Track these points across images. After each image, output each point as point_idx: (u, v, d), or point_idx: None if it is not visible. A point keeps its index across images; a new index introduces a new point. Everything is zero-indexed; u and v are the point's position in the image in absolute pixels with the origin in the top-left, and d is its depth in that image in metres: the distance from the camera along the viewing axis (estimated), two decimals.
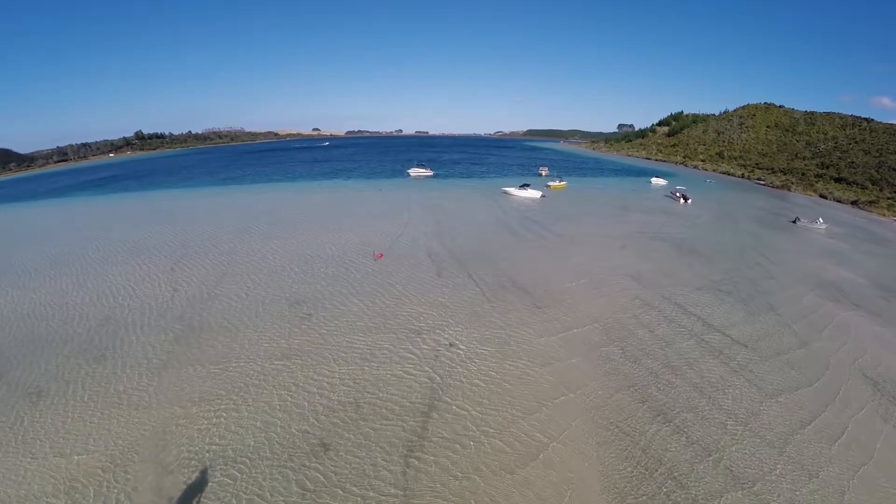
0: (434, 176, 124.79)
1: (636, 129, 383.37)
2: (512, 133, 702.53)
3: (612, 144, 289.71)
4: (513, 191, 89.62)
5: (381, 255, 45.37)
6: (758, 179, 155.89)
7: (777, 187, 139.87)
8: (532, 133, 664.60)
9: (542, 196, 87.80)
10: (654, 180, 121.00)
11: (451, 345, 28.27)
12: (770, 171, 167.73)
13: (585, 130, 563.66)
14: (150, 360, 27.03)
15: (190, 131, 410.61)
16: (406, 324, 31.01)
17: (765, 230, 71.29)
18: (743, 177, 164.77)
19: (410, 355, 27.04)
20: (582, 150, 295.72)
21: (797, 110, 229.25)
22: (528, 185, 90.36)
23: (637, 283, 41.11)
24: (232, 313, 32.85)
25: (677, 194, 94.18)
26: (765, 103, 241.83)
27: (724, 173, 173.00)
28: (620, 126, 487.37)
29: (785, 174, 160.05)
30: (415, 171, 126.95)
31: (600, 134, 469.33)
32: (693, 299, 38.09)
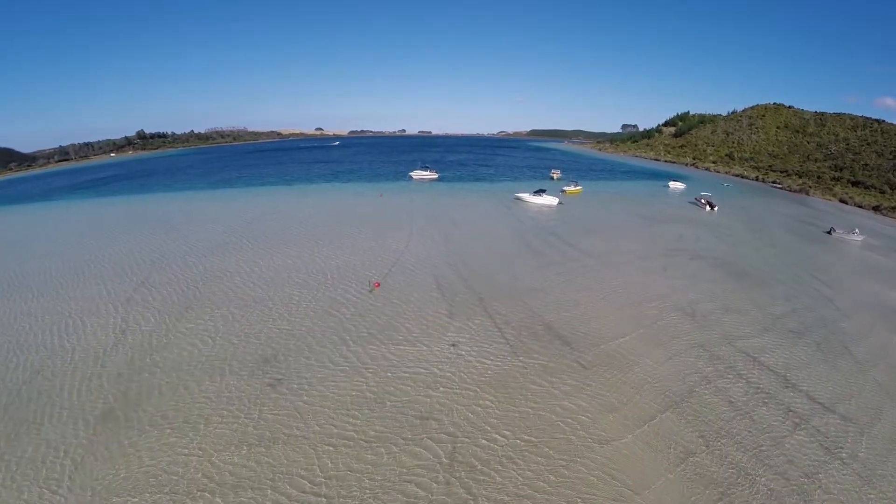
0: (439, 179, 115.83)
1: (640, 129, 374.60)
2: (515, 133, 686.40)
3: (617, 145, 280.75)
4: (527, 197, 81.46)
5: (379, 285, 37.30)
6: (773, 182, 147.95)
7: (795, 191, 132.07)
8: (535, 133, 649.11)
9: (559, 203, 79.73)
10: (672, 184, 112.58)
11: (479, 433, 20.31)
12: (784, 174, 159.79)
13: (589, 131, 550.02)
14: (66, 450, 19.29)
15: (192, 131, 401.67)
16: (411, 397, 23.00)
17: (803, 243, 63.62)
18: (758, 179, 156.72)
19: (420, 456, 19.04)
20: (588, 150, 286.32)
21: (807, 111, 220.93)
22: (543, 191, 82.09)
23: (696, 325, 33.07)
24: (183, 374, 24.89)
25: (702, 201, 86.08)
26: (774, 104, 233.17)
27: (738, 176, 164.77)
28: (624, 126, 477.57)
29: (801, 177, 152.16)
30: (418, 174, 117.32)
31: (604, 134, 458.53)
32: (769, 351, 30.04)
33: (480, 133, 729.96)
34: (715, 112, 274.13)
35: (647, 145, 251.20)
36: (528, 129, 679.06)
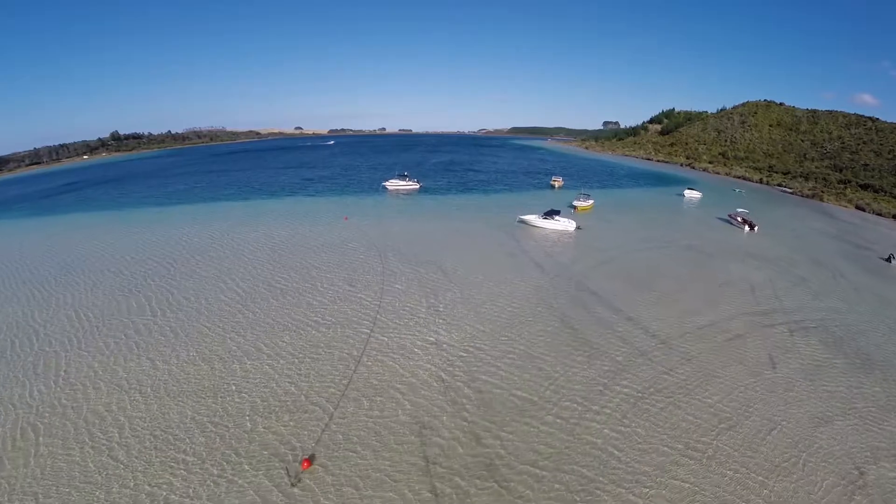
0: (421, 189, 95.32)
1: (622, 126, 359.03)
2: (496, 131, 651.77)
3: (603, 143, 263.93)
4: (536, 221, 62.25)
5: (309, 463, 18.64)
6: (779, 186, 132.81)
7: (807, 196, 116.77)
8: (516, 130, 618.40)
9: (578, 228, 61.02)
10: (688, 193, 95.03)
11: None
12: (787, 176, 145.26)
13: (570, 128, 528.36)
14: None
15: (169, 131, 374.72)
16: None
17: (876, 282, 47.64)
18: (762, 182, 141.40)
19: None
20: (573, 149, 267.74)
21: (798, 108, 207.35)
22: (556, 213, 62.68)
23: None
24: None
25: (738, 219, 68.97)
26: (765, 101, 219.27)
27: (740, 178, 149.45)
28: (605, 123, 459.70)
29: (806, 179, 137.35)
30: (393, 184, 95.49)
31: (585, 131, 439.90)
32: None
33: (461, 131, 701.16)
34: (695, 109, 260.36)
35: (635, 143, 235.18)
36: (509, 127, 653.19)
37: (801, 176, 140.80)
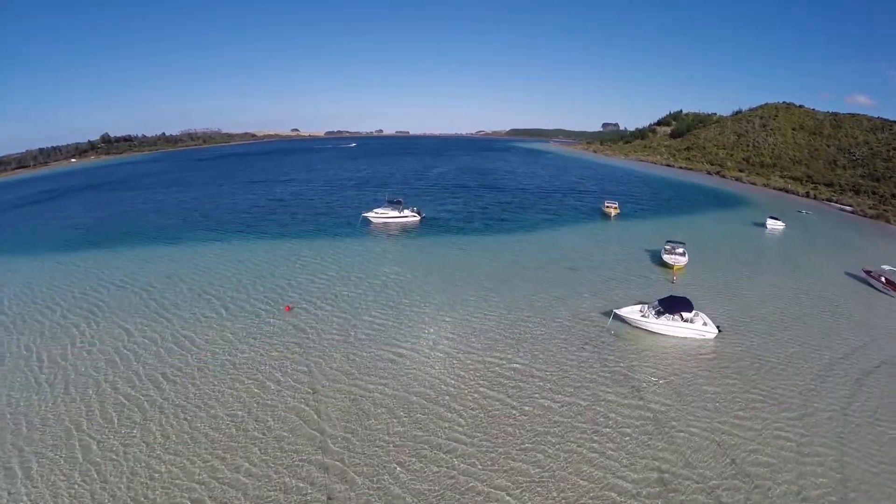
0: (423, 221, 66.85)
1: (621, 127, 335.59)
2: (494, 132, 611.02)
3: (609, 145, 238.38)
4: (649, 324, 33.31)
5: None
6: (829, 201, 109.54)
7: (871, 217, 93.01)
8: (515, 132, 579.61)
9: (719, 330, 32.76)
10: (771, 224, 69.84)
11: None
12: (831, 188, 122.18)
13: (569, 129, 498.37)
14: None
15: (163, 133, 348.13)
16: None
17: None
18: (808, 196, 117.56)
19: None
20: (581, 152, 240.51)
21: (819, 111, 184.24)
22: (685, 306, 33.05)
23: None
24: None
25: (882, 279, 44.37)
26: (784, 103, 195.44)
27: (781, 190, 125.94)
28: (605, 125, 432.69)
29: (857, 193, 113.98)
30: (380, 217, 65.85)
31: (584, 133, 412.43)
32: None
33: (459, 133, 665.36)
34: (695, 109, 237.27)
35: (646, 146, 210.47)
36: (508, 129, 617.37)
37: (850, 189, 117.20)
